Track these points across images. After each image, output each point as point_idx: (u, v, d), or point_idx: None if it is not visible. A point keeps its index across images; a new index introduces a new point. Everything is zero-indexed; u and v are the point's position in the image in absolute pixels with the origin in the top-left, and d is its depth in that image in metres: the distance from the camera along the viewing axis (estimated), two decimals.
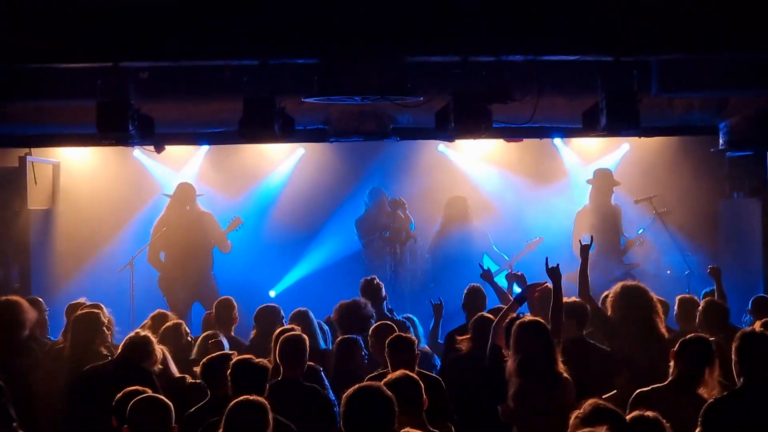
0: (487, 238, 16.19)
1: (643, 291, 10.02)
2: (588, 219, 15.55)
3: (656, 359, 9.19)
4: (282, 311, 11.13)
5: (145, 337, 9.34)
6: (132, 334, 9.46)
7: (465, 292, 11.36)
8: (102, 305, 10.83)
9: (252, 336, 11.08)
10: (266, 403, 7.01)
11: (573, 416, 6.69)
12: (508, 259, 15.68)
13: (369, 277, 12.25)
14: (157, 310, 11.58)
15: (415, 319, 12.17)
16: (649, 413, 6.66)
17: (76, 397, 9.30)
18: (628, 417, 6.76)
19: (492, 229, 16.53)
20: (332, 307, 11.33)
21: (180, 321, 11.18)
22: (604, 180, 15.76)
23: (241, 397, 7.06)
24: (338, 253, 17.75)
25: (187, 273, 15.18)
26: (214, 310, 11.67)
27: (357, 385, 6.86)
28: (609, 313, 9.98)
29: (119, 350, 9.36)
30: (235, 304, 11.72)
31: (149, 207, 16.56)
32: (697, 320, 10.62)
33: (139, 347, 9.22)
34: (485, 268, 11.79)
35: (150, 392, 7.53)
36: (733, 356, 7.92)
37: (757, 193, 15.31)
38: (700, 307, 10.81)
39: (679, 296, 11.18)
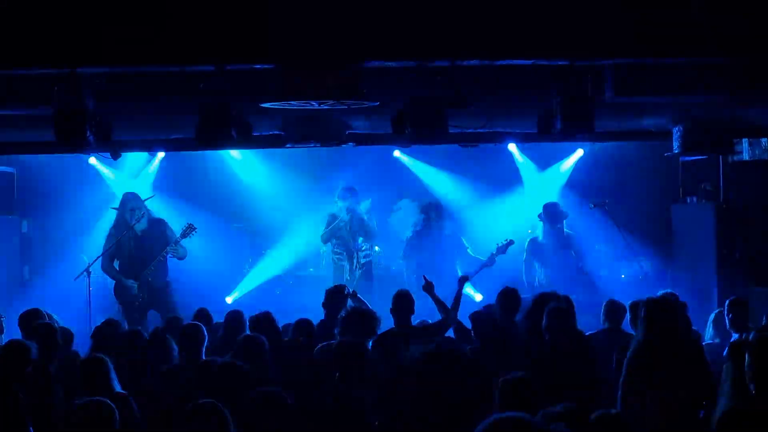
0: (461, 242, 16.19)
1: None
2: (543, 253, 15.68)
3: None
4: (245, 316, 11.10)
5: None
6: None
7: (393, 296, 11.12)
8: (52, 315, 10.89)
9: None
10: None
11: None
12: (485, 260, 15.63)
13: (333, 287, 12.16)
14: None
15: None
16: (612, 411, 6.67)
17: None
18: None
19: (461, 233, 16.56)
20: (290, 313, 11.34)
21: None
22: (553, 215, 15.82)
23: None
24: (296, 258, 17.77)
25: (140, 281, 15.10)
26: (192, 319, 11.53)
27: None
28: None
29: None
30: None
31: (106, 214, 16.45)
32: None
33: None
34: (429, 281, 11.85)
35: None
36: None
37: (710, 198, 15.45)
38: None
39: (632, 302, 11.22)
